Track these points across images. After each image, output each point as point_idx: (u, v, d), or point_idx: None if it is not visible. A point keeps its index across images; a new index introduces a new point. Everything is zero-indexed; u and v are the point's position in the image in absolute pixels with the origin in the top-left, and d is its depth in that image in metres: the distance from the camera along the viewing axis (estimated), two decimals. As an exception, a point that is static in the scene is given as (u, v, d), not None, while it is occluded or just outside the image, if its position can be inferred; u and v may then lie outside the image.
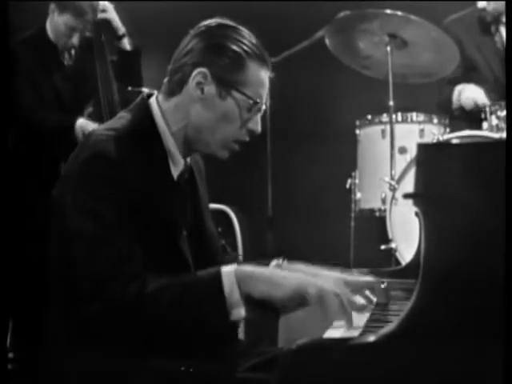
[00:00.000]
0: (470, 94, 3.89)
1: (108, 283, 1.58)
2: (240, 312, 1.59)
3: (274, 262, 1.95)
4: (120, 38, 3.61)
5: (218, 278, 1.59)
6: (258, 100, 1.79)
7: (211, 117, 1.77)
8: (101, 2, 3.56)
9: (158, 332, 1.60)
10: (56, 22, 3.50)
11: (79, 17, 3.46)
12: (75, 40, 3.52)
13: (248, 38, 1.79)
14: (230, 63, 1.75)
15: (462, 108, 3.95)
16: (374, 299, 1.86)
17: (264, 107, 1.83)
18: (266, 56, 1.81)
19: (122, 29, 3.61)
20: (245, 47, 1.77)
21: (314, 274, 1.83)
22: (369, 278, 1.88)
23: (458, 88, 3.97)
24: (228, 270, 1.60)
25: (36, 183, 3.41)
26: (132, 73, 3.66)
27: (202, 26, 1.81)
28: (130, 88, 3.60)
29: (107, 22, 3.57)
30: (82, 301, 1.59)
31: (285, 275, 1.64)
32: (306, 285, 1.59)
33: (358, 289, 1.82)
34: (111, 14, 3.58)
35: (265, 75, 1.80)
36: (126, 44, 3.63)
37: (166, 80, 1.83)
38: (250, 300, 1.60)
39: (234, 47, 1.76)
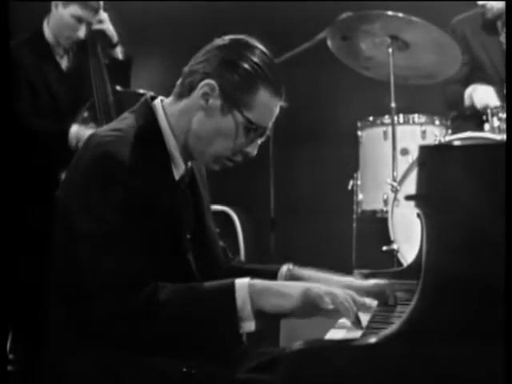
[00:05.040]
0: (482, 95, 3.88)
1: (116, 284, 1.58)
2: (250, 325, 1.60)
3: (284, 267, 1.95)
4: (113, 46, 3.62)
5: (231, 291, 1.60)
6: (259, 125, 1.77)
7: (209, 128, 1.76)
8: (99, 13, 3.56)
9: (167, 338, 1.61)
10: (61, 16, 3.48)
11: (86, 6, 3.46)
12: (81, 33, 3.50)
13: (266, 61, 1.76)
14: (241, 82, 1.73)
15: (473, 107, 3.93)
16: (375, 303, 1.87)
17: (268, 133, 1.81)
18: (281, 83, 1.78)
19: (115, 37, 3.61)
20: (259, 70, 1.74)
21: (323, 280, 1.85)
22: (378, 281, 1.90)
23: (471, 88, 3.96)
24: (242, 284, 1.61)
25: (32, 187, 3.40)
26: (121, 79, 3.67)
27: (225, 39, 1.79)
28: (118, 88, 3.60)
29: (102, 33, 3.57)
30: (90, 300, 1.59)
31: (295, 287, 1.64)
32: (314, 295, 1.60)
33: (367, 292, 1.84)
34: (106, 24, 3.59)
35: (274, 103, 1.78)
36: (119, 53, 3.64)
37: (178, 82, 1.83)
38: (261, 313, 1.61)
39: (249, 67, 1.74)
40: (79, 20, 3.47)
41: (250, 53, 1.76)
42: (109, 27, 3.59)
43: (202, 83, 1.75)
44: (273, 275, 1.94)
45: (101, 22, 3.56)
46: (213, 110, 1.76)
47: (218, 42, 1.80)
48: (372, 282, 1.92)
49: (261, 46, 1.79)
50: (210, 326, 1.61)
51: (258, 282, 1.63)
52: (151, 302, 1.59)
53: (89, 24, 3.52)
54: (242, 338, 1.70)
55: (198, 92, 1.76)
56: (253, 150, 1.81)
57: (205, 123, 1.77)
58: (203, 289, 1.64)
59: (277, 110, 1.80)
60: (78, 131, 3.37)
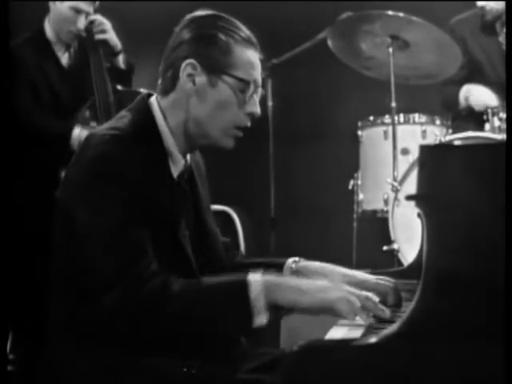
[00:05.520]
0: (480, 96, 3.88)
1: (125, 277, 1.58)
2: (262, 319, 1.58)
3: (290, 260, 1.95)
4: (116, 54, 3.62)
5: (244, 284, 1.58)
6: (249, 79, 1.78)
7: (207, 107, 1.78)
8: (100, 21, 3.56)
9: (177, 330, 1.60)
10: (59, 10, 3.49)
11: None
12: (81, 24, 3.50)
13: (232, 23, 1.80)
14: (217, 50, 1.76)
15: (469, 108, 3.93)
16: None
17: (261, 89, 1.83)
18: (253, 38, 1.81)
19: (118, 46, 3.61)
20: (230, 33, 1.77)
21: (329, 273, 1.84)
22: (383, 279, 1.89)
23: (465, 88, 3.97)
24: (255, 278, 1.60)
25: (32, 185, 3.40)
26: (122, 86, 3.67)
27: (186, 20, 1.82)
28: (119, 87, 3.60)
29: (105, 42, 3.58)
30: (90, 300, 1.59)
31: (313, 284, 1.62)
32: (333, 299, 1.56)
33: (372, 289, 1.84)
34: (110, 33, 3.59)
35: (253, 56, 1.80)
36: (121, 62, 3.64)
37: (159, 81, 1.83)
38: (274, 307, 1.59)
39: (219, 34, 1.77)
40: (78, 11, 3.48)
41: (215, 21, 1.80)
42: (112, 36, 3.59)
43: (183, 66, 1.76)
44: (278, 268, 1.93)
45: (103, 31, 3.56)
46: (203, 88, 1.77)
47: (180, 25, 1.82)
48: (376, 278, 1.91)
49: (218, 13, 1.83)
50: (221, 318, 1.60)
51: (274, 276, 1.63)
52: (163, 293, 1.58)
53: (88, 14, 3.52)
54: (250, 332, 1.68)
55: (182, 78, 1.77)
56: (255, 109, 1.81)
57: (201, 105, 1.78)
58: (216, 282, 1.64)
59: (259, 62, 1.82)
60: (81, 134, 3.37)
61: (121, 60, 3.64)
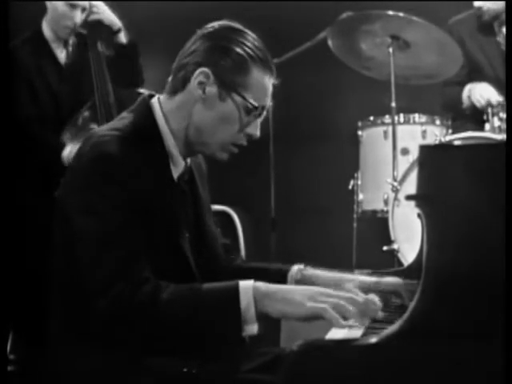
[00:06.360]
0: (483, 92, 3.88)
1: (117, 282, 1.58)
2: (253, 329, 1.58)
3: (295, 268, 1.94)
4: (116, 33, 3.58)
5: (235, 293, 1.58)
6: (258, 104, 1.78)
7: (211, 117, 1.77)
8: (92, 3, 3.54)
9: (168, 337, 1.60)
10: (55, 7, 3.49)
11: None
12: (77, 19, 3.49)
13: (254, 42, 1.79)
14: (234, 65, 1.75)
15: (473, 107, 3.93)
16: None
17: (265, 113, 1.83)
18: (271, 62, 1.80)
19: (117, 23, 3.58)
20: (249, 51, 1.76)
21: (336, 280, 1.85)
22: (392, 280, 1.89)
23: (468, 87, 3.97)
24: (246, 286, 1.59)
25: (32, 185, 3.40)
26: (131, 66, 3.63)
27: (210, 27, 1.81)
28: (120, 87, 3.59)
29: (100, 23, 3.54)
30: (90, 300, 1.59)
31: (302, 293, 1.59)
32: (321, 309, 1.54)
33: (381, 291, 1.83)
34: (103, 13, 3.56)
35: (268, 81, 1.79)
36: (123, 38, 3.59)
37: (169, 79, 1.83)
38: (264, 316, 1.59)
39: (239, 50, 1.75)
40: (73, 6, 3.47)
41: (237, 35, 1.78)
42: (106, 16, 3.55)
43: (196, 73, 1.76)
44: (282, 276, 1.93)
45: (94, 12, 3.52)
46: (211, 99, 1.76)
47: (203, 31, 1.81)
48: (385, 280, 1.91)
49: (241, 27, 1.81)
50: (212, 327, 1.60)
51: (263, 284, 1.61)
52: (153, 301, 1.58)
53: (84, 10, 3.50)
54: (244, 340, 1.69)
55: (193, 83, 1.77)
56: (255, 131, 1.82)
57: (205, 114, 1.77)
58: (207, 289, 1.63)
59: (271, 88, 1.82)
60: (71, 152, 3.35)
61: (122, 36, 3.59)
